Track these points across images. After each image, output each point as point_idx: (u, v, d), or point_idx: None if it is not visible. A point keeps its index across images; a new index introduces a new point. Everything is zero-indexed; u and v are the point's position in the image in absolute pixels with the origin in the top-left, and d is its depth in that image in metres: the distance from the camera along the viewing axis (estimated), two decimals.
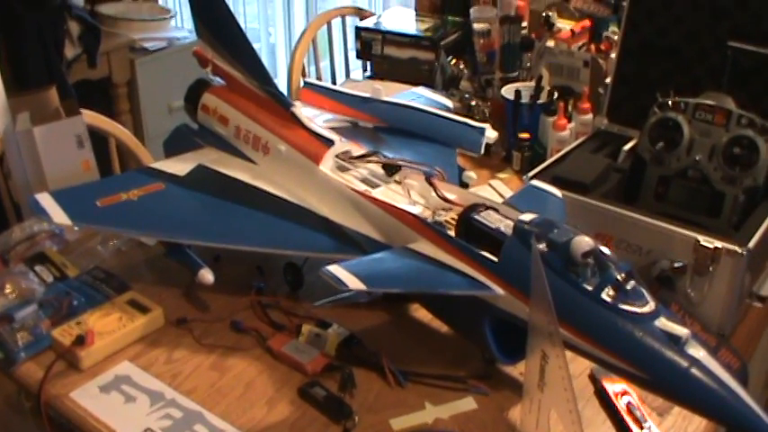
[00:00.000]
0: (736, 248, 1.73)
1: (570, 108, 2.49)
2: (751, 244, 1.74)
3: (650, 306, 1.38)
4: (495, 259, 1.52)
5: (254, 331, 1.76)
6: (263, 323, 1.79)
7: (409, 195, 1.79)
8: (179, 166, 2.02)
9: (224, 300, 1.85)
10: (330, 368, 1.65)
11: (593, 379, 1.65)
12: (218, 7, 2.08)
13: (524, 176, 2.00)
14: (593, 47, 2.83)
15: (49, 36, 3.43)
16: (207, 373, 1.67)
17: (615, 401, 1.58)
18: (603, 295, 1.38)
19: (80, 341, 1.66)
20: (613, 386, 1.61)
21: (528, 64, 2.80)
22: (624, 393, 1.59)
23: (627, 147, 2.14)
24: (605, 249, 1.44)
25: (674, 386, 1.32)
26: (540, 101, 2.52)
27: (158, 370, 1.67)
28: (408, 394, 1.61)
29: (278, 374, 1.66)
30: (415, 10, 3.38)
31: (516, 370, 1.64)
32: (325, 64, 3.92)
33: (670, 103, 1.98)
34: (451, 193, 1.76)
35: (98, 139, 2.55)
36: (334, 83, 3.72)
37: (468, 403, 1.60)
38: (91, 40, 3.81)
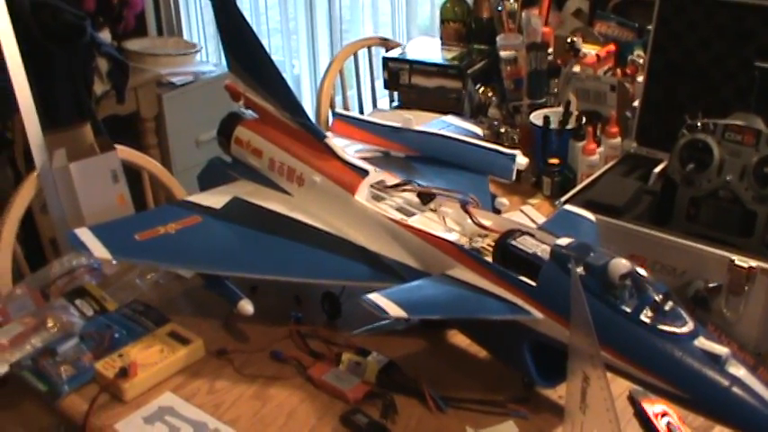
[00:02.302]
0: None
1: (599, 132, 2.50)
2: None
3: (689, 326, 1.39)
4: (533, 284, 1.54)
5: (294, 360, 1.78)
6: (303, 352, 1.80)
7: (445, 223, 1.81)
8: (214, 198, 2.05)
9: (263, 330, 1.87)
10: (371, 395, 1.66)
11: (633, 400, 1.65)
12: (248, 41, 2.11)
13: (556, 201, 2.01)
14: (618, 71, 2.85)
15: (79, 73, 3.47)
16: (249, 402, 1.68)
17: (655, 422, 1.58)
18: (642, 317, 1.40)
19: (123, 373, 1.68)
20: (653, 407, 1.61)
21: (555, 90, 2.82)
22: (664, 414, 1.60)
23: (657, 169, 2.15)
24: (642, 271, 1.46)
25: (715, 405, 1.33)
26: (568, 126, 2.54)
27: (201, 400, 1.69)
28: (449, 419, 1.62)
29: (319, 403, 1.67)
30: (441, 39, 3.40)
31: (555, 393, 1.65)
32: (351, 93, 3.94)
33: (699, 124, 1.99)
34: (487, 220, 1.78)
35: (130, 173, 2.58)
36: (361, 113, 3.75)
37: (509, 427, 1.60)
38: (119, 76, 3.84)
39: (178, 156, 4.31)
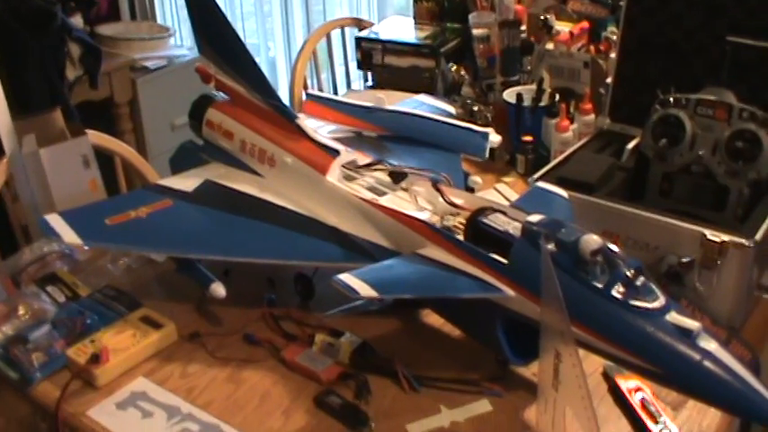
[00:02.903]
0: (743, 241, 1.73)
1: (572, 109, 2.51)
2: (758, 236, 1.74)
3: (661, 301, 1.39)
4: (504, 261, 1.53)
5: (268, 343, 1.77)
6: (276, 334, 1.80)
7: (417, 202, 1.80)
8: (186, 182, 2.04)
9: (236, 313, 1.86)
10: (344, 376, 1.65)
11: (606, 376, 1.65)
12: (218, 23, 2.09)
13: (529, 179, 2.00)
14: (592, 48, 2.84)
15: (51, 59, 3.45)
16: (222, 385, 1.68)
17: (629, 398, 1.59)
18: (614, 292, 1.40)
19: (95, 359, 1.67)
20: (627, 383, 1.61)
21: (528, 67, 2.81)
22: (638, 389, 1.60)
23: (630, 145, 2.15)
24: (614, 247, 1.45)
25: (687, 379, 1.33)
26: (541, 103, 2.54)
27: (174, 385, 1.68)
28: (423, 399, 1.62)
29: (293, 385, 1.67)
30: (414, 18, 3.39)
31: (529, 371, 1.65)
32: (325, 76, 3.93)
33: (671, 99, 1.99)
34: (458, 198, 1.77)
35: (103, 158, 2.56)
36: (335, 94, 3.73)
37: (482, 405, 1.60)
38: (92, 61, 3.82)
39: (153, 140, 4.30)
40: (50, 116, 2.71)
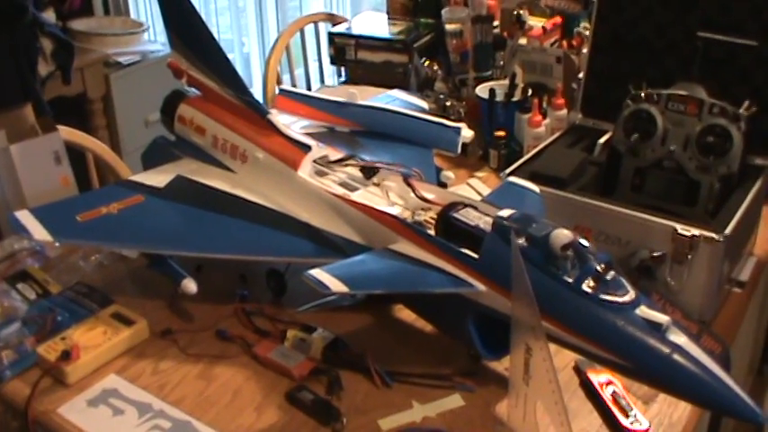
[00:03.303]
0: (714, 235, 1.74)
1: (545, 104, 2.51)
2: (728, 230, 1.75)
3: (630, 295, 1.40)
4: (475, 256, 1.54)
5: (240, 339, 1.76)
6: (248, 330, 1.79)
7: (388, 197, 1.80)
8: (158, 177, 2.02)
9: (208, 309, 1.85)
10: (317, 372, 1.65)
11: (578, 370, 1.66)
12: (190, 18, 2.08)
13: (502, 174, 2.01)
14: (564, 43, 2.85)
15: (22, 54, 3.40)
16: (194, 382, 1.67)
17: (600, 392, 1.59)
18: (584, 286, 1.40)
19: (65, 356, 1.66)
20: (598, 377, 1.62)
21: (501, 62, 2.81)
22: (609, 383, 1.60)
23: (602, 140, 2.15)
24: (584, 241, 1.46)
25: (657, 373, 1.34)
26: (514, 98, 2.54)
27: (145, 382, 1.67)
28: (395, 394, 1.62)
29: (265, 381, 1.66)
30: (387, 13, 3.39)
31: (501, 365, 1.65)
32: (299, 72, 3.92)
33: (643, 95, 2.00)
34: (430, 193, 1.78)
35: (75, 154, 2.55)
36: (309, 90, 3.73)
37: (455, 400, 1.60)
38: (64, 56, 3.77)
39: (127, 136, 4.28)
40: (21, 112, 2.70)
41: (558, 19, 2.92)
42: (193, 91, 2.21)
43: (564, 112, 2.45)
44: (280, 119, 2.03)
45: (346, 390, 1.62)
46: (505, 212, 1.54)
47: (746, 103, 1.92)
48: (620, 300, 1.39)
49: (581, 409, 1.58)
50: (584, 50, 2.60)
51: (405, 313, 1.82)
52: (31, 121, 2.71)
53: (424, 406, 1.59)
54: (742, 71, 2.03)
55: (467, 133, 2.17)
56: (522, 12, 2.87)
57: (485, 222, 1.59)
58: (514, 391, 1.48)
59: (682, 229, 1.76)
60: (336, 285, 1.50)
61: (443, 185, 2.11)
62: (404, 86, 2.83)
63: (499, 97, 2.54)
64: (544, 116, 2.44)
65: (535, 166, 2.03)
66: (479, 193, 2.28)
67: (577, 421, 1.54)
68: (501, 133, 2.46)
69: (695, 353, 1.32)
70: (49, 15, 3.91)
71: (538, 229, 1.46)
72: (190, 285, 1.77)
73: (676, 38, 2.14)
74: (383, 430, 1.54)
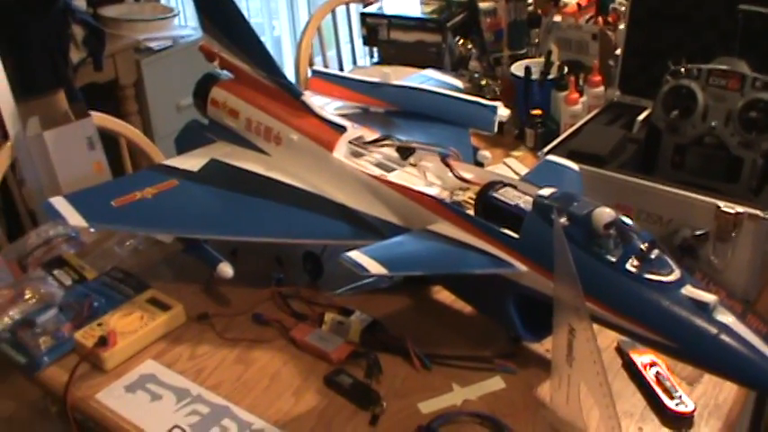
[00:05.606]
0: (759, 213, 1.71)
1: (581, 82, 2.48)
2: None
3: (676, 274, 1.36)
4: (515, 236, 1.51)
5: (277, 323, 1.75)
6: (285, 314, 1.78)
7: (425, 177, 1.78)
8: (192, 161, 2.02)
9: (244, 293, 1.84)
10: (355, 355, 1.64)
11: (621, 351, 1.63)
12: (222, 1, 2.07)
13: (539, 153, 1.98)
14: (600, 19, 2.80)
15: (54, 41, 3.42)
16: (231, 367, 1.66)
17: (644, 373, 1.57)
18: (628, 266, 1.37)
19: (103, 342, 1.66)
20: (641, 357, 1.59)
21: (536, 40, 2.78)
22: (653, 364, 1.58)
23: (641, 117, 2.12)
24: (627, 220, 1.43)
25: (703, 353, 1.31)
26: (550, 76, 2.51)
27: (183, 367, 1.67)
28: (435, 377, 1.60)
29: (303, 365, 1.65)
30: None
31: (542, 347, 1.63)
32: (331, 53, 3.90)
33: (682, 70, 1.96)
34: (468, 173, 1.75)
35: (109, 140, 2.54)
36: (341, 71, 3.70)
37: (496, 383, 1.58)
38: (95, 43, 3.80)
39: (159, 121, 4.28)
40: (54, 98, 2.71)
41: None
42: (226, 74, 2.20)
43: (601, 89, 2.41)
44: (313, 100, 2.01)
45: (385, 373, 1.60)
46: (546, 191, 1.51)
47: None
48: (664, 279, 1.36)
49: (624, 391, 1.56)
50: (621, 27, 2.57)
51: (443, 295, 1.80)
52: (64, 107, 2.71)
53: (464, 389, 1.57)
54: None
55: (503, 112, 2.15)
56: None
57: (525, 202, 1.56)
58: (557, 372, 1.45)
59: (725, 206, 1.73)
60: (375, 267, 1.48)
61: (480, 165, 2.09)
62: (437, 66, 2.81)
63: (535, 75, 2.51)
64: (581, 94, 2.40)
65: (573, 145, 2.01)
66: (516, 173, 2.25)
67: (621, 403, 1.51)
68: (537, 112, 2.43)
69: (743, 332, 1.29)
70: (80, 3, 3.94)
71: (579, 207, 1.43)
72: (226, 269, 1.76)
73: (716, 11, 2.10)
74: (423, 414, 1.52)
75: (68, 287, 1.88)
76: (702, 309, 1.32)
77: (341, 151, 1.87)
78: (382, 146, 1.88)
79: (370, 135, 1.91)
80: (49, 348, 1.70)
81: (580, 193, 1.59)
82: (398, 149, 1.84)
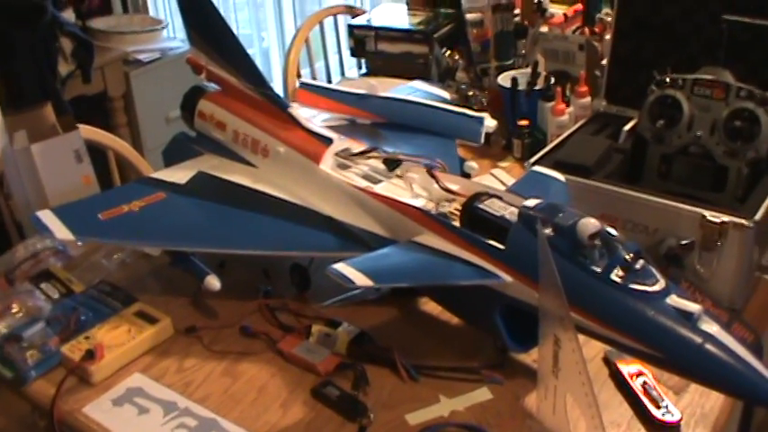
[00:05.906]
0: (743, 222, 1.72)
1: (568, 92, 2.48)
2: (757, 216, 1.73)
3: (661, 284, 1.37)
4: (501, 247, 1.51)
5: (264, 335, 1.75)
6: (273, 326, 1.78)
7: (411, 189, 1.78)
8: (179, 174, 2.02)
9: (231, 305, 1.84)
10: (342, 367, 1.64)
11: (608, 362, 1.64)
12: (209, 13, 2.07)
13: (526, 163, 1.99)
14: (586, 30, 2.82)
15: (42, 54, 3.41)
16: (219, 379, 1.66)
17: (631, 383, 1.57)
18: (613, 276, 1.38)
19: (90, 356, 1.65)
20: (628, 367, 1.60)
21: (523, 51, 2.79)
22: (639, 374, 1.58)
23: (627, 127, 2.13)
24: (612, 230, 1.44)
25: (689, 363, 1.31)
26: (537, 87, 2.51)
27: (170, 380, 1.66)
28: (422, 388, 1.60)
29: (290, 377, 1.65)
30: (407, 4, 3.37)
31: (529, 357, 1.63)
32: (319, 65, 3.91)
33: (668, 80, 1.97)
34: (454, 184, 1.75)
35: (97, 153, 2.54)
36: (329, 82, 3.71)
37: (482, 394, 1.58)
38: (84, 55, 3.79)
39: (149, 134, 4.27)
40: (41, 111, 2.70)
41: (578, 6, 2.91)
42: (213, 86, 2.20)
43: (587, 99, 2.42)
44: (300, 112, 2.01)
45: (372, 385, 1.60)
46: (531, 202, 1.52)
47: None
48: (649, 289, 1.36)
49: (611, 401, 1.56)
50: (607, 37, 2.57)
51: (430, 306, 1.80)
52: (52, 120, 2.71)
53: (451, 400, 1.57)
54: None
55: (490, 123, 2.16)
56: None
57: (510, 213, 1.57)
58: (543, 383, 1.46)
59: (711, 215, 1.74)
60: (361, 279, 1.48)
61: (467, 176, 2.09)
62: (425, 77, 2.81)
63: (521, 86, 2.51)
64: (567, 104, 2.41)
65: (560, 155, 2.01)
66: (503, 183, 2.25)
67: (608, 413, 1.51)
68: (524, 122, 2.43)
69: (728, 342, 1.30)
70: (69, 15, 3.93)
71: (564, 218, 1.44)
72: (213, 282, 1.76)
73: (701, 21, 2.11)
74: (411, 425, 1.52)
75: (56, 300, 1.87)
76: (687, 318, 1.32)
77: (327, 163, 1.87)
78: (369, 158, 1.88)
79: (357, 147, 1.92)
80: (36, 362, 1.69)
81: (566, 204, 1.60)
82: (385, 161, 1.85)
